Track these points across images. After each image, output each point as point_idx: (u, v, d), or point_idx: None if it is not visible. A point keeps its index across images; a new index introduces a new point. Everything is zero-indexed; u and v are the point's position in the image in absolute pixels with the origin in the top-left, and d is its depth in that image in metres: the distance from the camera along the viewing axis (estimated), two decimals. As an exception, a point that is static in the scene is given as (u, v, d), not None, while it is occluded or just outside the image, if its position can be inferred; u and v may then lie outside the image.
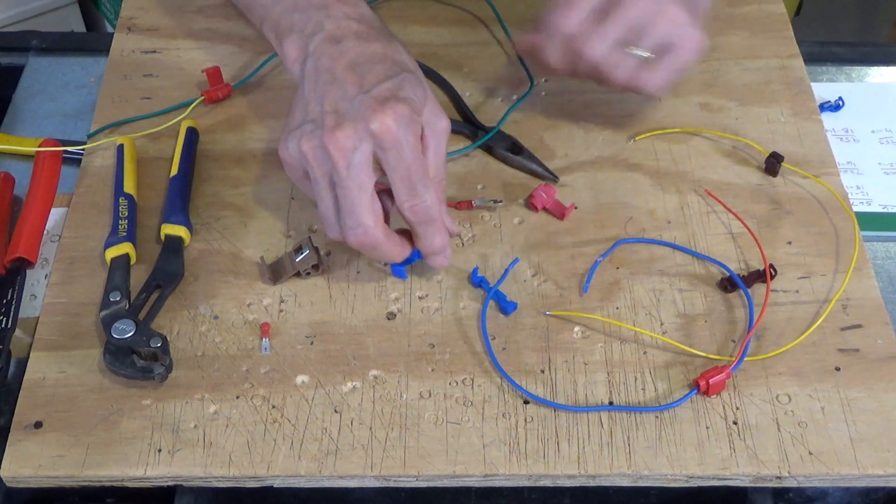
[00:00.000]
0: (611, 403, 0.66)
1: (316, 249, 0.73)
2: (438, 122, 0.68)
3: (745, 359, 0.68)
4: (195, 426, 0.65)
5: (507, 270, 0.73)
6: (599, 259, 0.74)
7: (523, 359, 0.68)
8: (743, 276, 0.72)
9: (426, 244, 0.69)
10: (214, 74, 0.85)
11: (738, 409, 0.66)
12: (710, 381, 0.66)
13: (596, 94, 0.86)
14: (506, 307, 0.71)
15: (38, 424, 0.65)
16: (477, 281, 0.72)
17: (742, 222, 0.76)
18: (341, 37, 0.69)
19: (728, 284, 0.72)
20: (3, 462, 0.63)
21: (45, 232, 0.77)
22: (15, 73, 0.91)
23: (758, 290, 0.72)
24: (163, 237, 0.75)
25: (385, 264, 0.73)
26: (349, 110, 0.65)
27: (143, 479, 0.63)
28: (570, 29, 0.74)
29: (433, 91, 0.86)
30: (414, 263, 0.72)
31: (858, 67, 0.93)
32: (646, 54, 0.74)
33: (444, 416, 0.66)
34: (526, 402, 0.66)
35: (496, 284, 0.72)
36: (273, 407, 0.66)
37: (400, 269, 0.72)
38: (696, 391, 0.66)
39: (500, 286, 0.72)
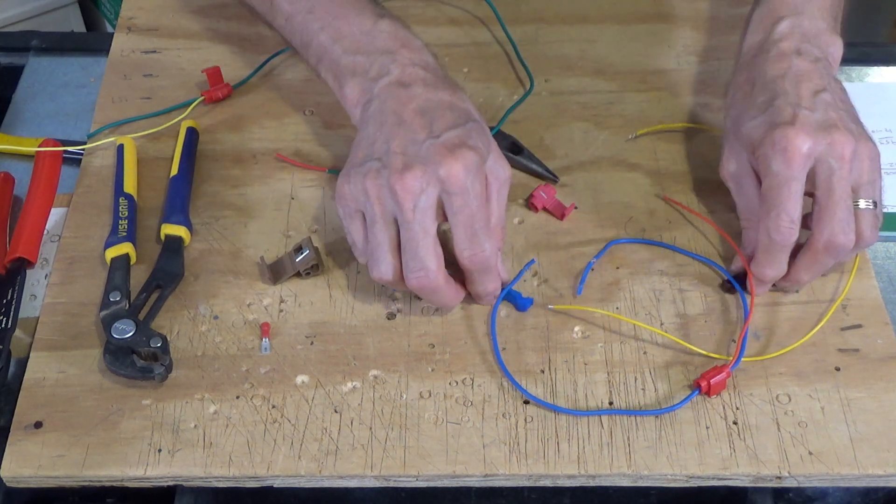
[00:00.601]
0: (611, 404, 0.66)
1: (316, 249, 0.73)
2: (502, 171, 0.69)
3: (746, 359, 0.68)
4: (195, 426, 0.65)
5: (521, 271, 0.73)
6: (593, 261, 0.74)
7: (523, 359, 0.68)
8: (739, 276, 0.72)
9: (479, 290, 0.69)
10: (214, 74, 0.85)
11: (738, 409, 0.66)
12: (712, 381, 0.66)
13: (596, 94, 0.86)
14: (523, 304, 0.71)
15: (38, 424, 0.65)
16: None
17: (712, 224, 0.76)
18: (409, 82, 0.70)
19: (729, 285, 0.72)
20: (3, 462, 0.63)
21: (45, 232, 0.77)
22: (15, 73, 0.91)
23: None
24: (163, 237, 0.75)
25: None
26: (418, 154, 0.66)
27: (143, 479, 0.63)
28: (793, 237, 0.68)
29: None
30: None
31: (858, 67, 0.93)
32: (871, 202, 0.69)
33: (444, 416, 0.66)
34: (526, 402, 0.66)
35: (510, 284, 0.72)
36: (273, 407, 0.66)
37: None
38: (697, 392, 0.66)
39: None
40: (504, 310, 0.71)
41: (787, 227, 0.67)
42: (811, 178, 0.68)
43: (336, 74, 0.74)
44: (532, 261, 0.74)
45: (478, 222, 0.66)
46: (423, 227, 0.65)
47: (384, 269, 0.67)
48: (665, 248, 0.75)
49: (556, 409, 0.66)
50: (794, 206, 0.67)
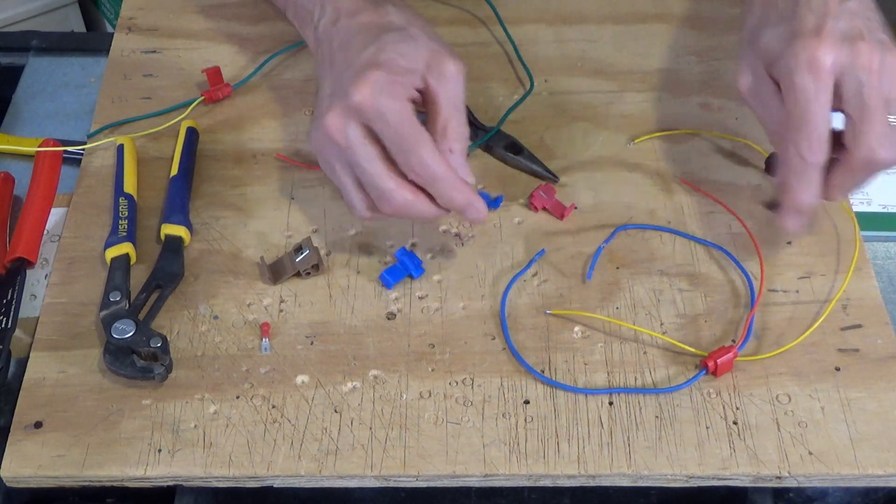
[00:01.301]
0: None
1: (316, 249, 0.73)
2: (446, 68, 0.67)
3: (746, 358, 0.68)
4: (195, 426, 0.65)
5: (532, 261, 0.73)
6: (602, 245, 0.74)
7: (523, 358, 0.68)
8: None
9: (446, 202, 0.66)
10: (214, 74, 0.85)
11: (738, 409, 0.66)
12: (719, 361, 0.66)
13: (596, 94, 0.86)
14: (493, 204, 0.76)
15: (38, 424, 0.65)
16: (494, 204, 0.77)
17: (718, 201, 0.76)
18: (336, 18, 0.70)
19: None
20: (3, 462, 0.63)
21: (45, 232, 0.77)
22: (15, 73, 0.91)
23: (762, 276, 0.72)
24: (163, 237, 0.75)
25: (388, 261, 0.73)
26: (336, 92, 0.66)
27: (143, 479, 0.63)
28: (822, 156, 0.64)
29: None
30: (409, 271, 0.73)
31: (858, 67, 0.93)
32: None
33: (444, 416, 0.66)
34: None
35: (517, 275, 0.72)
36: (273, 407, 0.66)
37: (388, 279, 0.72)
38: (704, 372, 0.66)
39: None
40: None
41: (818, 147, 0.63)
42: (839, 93, 0.63)
43: (299, 24, 0.75)
44: (542, 251, 0.74)
45: (405, 140, 0.64)
46: (366, 156, 0.65)
47: (358, 207, 0.68)
48: (673, 233, 0.75)
49: (556, 385, 0.66)
50: (823, 123, 0.63)
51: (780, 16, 0.67)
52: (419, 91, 0.67)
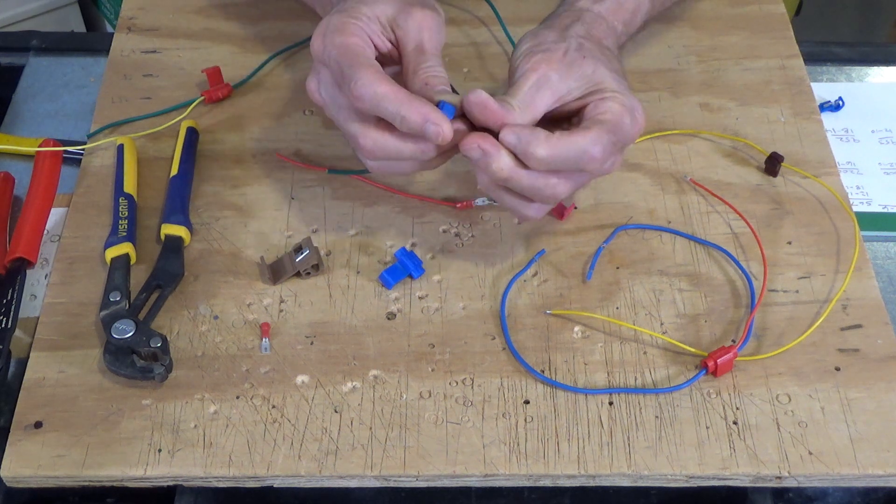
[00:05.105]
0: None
1: (316, 249, 0.73)
2: (410, 16, 0.68)
3: (746, 358, 0.68)
4: (195, 426, 0.65)
5: (532, 260, 0.73)
6: (602, 245, 0.74)
7: (523, 359, 0.68)
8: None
9: (401, 124, 0.63)
10: (214, 74, 0.85)
11: (738, 409, 0.66)
12: (719, 361, 0.66)
13: (596, 94, 0.86)
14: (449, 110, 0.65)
15: (38, 424, 0.65)
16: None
17: (726, 202, 0.76)
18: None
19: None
20: (3, 462, 0.63)
21: (45, 232, 0.77)
22: (15, 73, 0.91)
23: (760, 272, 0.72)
24: (163, 237, 0.75)
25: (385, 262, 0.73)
26: None
27: (143, 479, 0.63)
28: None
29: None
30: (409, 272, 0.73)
31: (858, 67, 0.93)
32: None
33: (444, 416, 0.66)
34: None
35: (517, 275, 0.72)
36: (273, 407, 0.66)
37: (388, 279, 0.72)
38: (704, 372, 0.66)
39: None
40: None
41: None
42: None
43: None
44: (542, 251, 0.74)
45: (345, 69, 0.64)
46: (333, 105, 0.67)
47: (360, 156, 0.68)
48: (672, 233, 0.75)
49: (558, 385, 0.66)
50: None
51: None
52: (391, 42, 0.68)
